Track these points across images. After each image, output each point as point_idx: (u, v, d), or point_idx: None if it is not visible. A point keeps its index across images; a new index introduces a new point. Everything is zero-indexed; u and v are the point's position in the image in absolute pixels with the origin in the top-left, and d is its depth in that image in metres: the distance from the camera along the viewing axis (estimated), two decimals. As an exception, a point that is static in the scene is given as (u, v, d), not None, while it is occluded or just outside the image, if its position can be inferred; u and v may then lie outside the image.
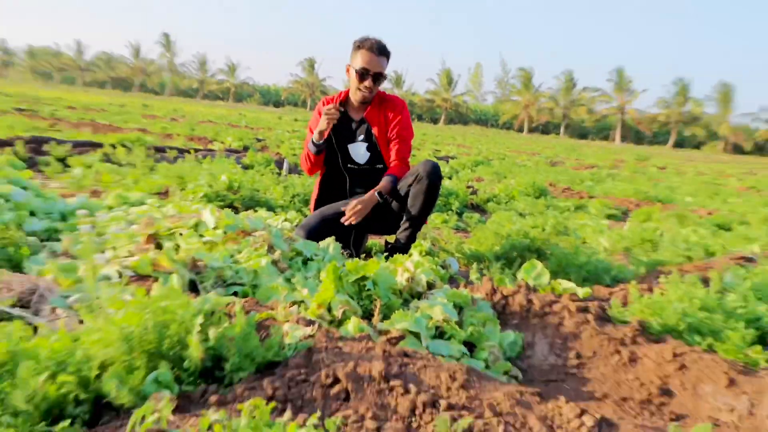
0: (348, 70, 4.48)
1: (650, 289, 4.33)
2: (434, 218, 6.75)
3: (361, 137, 4.60)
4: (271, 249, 3.33)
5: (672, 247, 6.02)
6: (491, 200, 8.48)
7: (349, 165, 4.67)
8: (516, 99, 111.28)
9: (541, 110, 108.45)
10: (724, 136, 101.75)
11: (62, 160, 8.43)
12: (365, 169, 4.66)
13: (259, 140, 15.68)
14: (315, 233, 4.18)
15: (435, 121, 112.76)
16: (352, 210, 4.17)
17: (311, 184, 6.82)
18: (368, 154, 4.62)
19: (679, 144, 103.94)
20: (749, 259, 5.80)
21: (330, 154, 4.65)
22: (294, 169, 10.01)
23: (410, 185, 4.37)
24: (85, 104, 29.03)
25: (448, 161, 14.46)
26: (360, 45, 4.40)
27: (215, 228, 3.53)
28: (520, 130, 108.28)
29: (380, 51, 4.38)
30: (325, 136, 4.45)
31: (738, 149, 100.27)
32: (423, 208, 4.33)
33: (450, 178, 10.23)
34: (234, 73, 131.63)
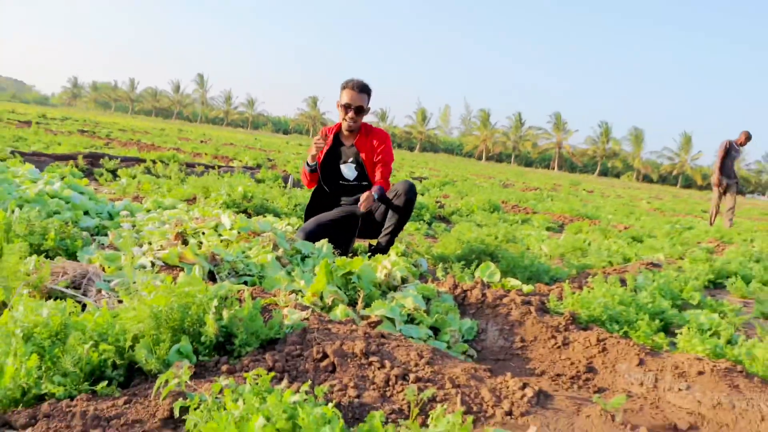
0: (337, 106, 4.48)
1: (580, 287, 4.30)
2: (409, 227, 6.69)
3: (351, 159, 4.57)
4: (275, 247, 3.26)
5: (597, 254, 6.00)
6: (455, 213, 8.42)
7: (340, 181, 4.63)
8: (476, 134, 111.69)
9: (496, 143, 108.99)
10: (636, 168, 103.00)
11: (113, 172, 8.32)
12: (353, 184, 4.63)
13: (270, 160, 15.54)
14: (312, 235, 4.14)
15: (411, 149, 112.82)
16: (363, 200, 4.17)
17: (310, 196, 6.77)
18: (356, 172, 4.59)
19: (603, 173, 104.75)
20: (656, 265, 5.80)
21: (324, 172, 4.61)
22: (297, 184, 9.94)
23: (392, 199, 4.36)
24: (133, 128, 28.77)
25: (421, 181, 14.40)
26: (345, 85, 4.41)
27: (231, 229, 3.45)
28: (480, 158, 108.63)
29: (361, 89, 4.40)
30: (318, 160, 4.48)
31: (647, 179, 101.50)
32: (401, 218, 4.37)
33: (422, 194, 10.17)
34: (252, 106, 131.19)
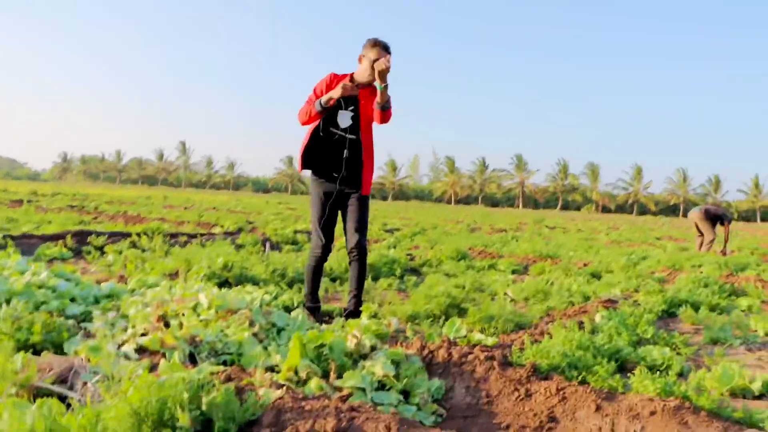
0: (361, 60, 4.47)
1: (542, 333, 4.34)
2: (382, 282, 6.71)
3: (351, 108, 4.52)
4: (252, 323, 3.27)
5: (559, 295, 6.07)
6: (425, 264, 8.46)
7: (331, 128, 4.55)
8: (444, 179, 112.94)
9: (463, 187, 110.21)
10: (595, 201, 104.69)
11: (100, 248, 8.26)
12: (341, 135, 4.55)
13: (250, 222, 15.49)
14: (329, 232, 4.59)
15: (384, 198, 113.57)
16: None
17: (287, 260, 6.77)
18: (350, 122, 4.53)
19: (565, 207, 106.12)
20: (613, 301, 5.87)
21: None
22: (275, 247, 9.93)
23: (349, 253, 4.59)
24: (120, 198, 28.60)
25: (393, 233, 14.47)
26: (375, 43, 4.42)
27: (209, 308, 3.45)
28: (449, 201, 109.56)
29: (389, 50, 4.45)
30: (332, 104, 4.39)
31: (606, 209, 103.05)
32: (359, 281, 4.57)
33: (394, 247, 10.21)
34: (233, 168, 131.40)
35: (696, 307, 5.91)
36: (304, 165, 4.62)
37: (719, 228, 13.06)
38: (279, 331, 3.43)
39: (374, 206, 48.13)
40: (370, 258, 7.26)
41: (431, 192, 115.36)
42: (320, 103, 4.36)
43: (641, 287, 6.79)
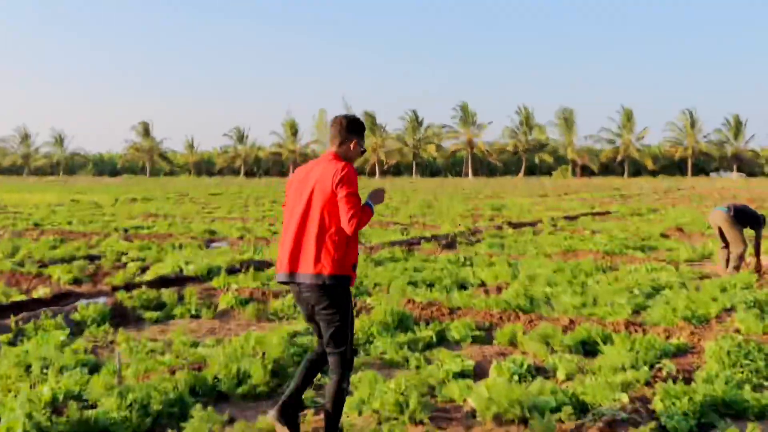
0: (355, 145, 5.36)
1: None
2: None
3: None
4: None
5: (545, 406, 5.76)
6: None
7: None
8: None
9: (390, 152, 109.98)
10: (571, 160, 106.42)
11: None
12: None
13: (92, 259, 14.41)
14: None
15: (283, 173, 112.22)
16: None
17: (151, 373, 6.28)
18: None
19: (531, 171, 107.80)
20: (617, 423, 5.60)
21: None
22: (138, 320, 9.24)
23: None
24: None
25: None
26: (364, 128, 5.54)
27: None
28: (372, 174, 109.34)
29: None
30: None
31: (587, 170, 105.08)
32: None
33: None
34: (62, 144, 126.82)
35: (739, 416, 5.79)
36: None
37: (747, 232, 13.14)
38: None
39: (267, 188, 46.93)
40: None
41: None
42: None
43: (656, 381, 6.56)
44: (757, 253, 13.22)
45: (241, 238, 19.39)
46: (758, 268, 12.88)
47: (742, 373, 6.79)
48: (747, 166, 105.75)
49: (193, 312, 10.06)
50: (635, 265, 13.79)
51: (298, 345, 7.53)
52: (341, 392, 5.17)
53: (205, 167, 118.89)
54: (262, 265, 13.39)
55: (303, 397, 5.55)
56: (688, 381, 6.58)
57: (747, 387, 6.33)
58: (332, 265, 4.98)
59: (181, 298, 10.57)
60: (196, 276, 12.53)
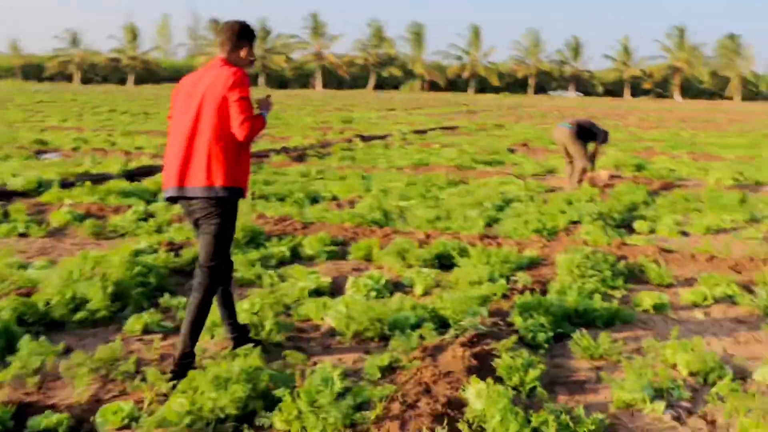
0: (246, 52, 5.02)
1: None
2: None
3: None
4: None
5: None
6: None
7: None
8: (210, 51, 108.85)
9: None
10: (419, 75, 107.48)
11: None
12: None
13: None
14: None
15: (123, 81, 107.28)
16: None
17: None
18: None
19: (380, 86, 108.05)
20: (480, 337, 5.58)
21: None
22: None
23: None
24: None
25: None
26: (255, 35, 5.16)
27: None
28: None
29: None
30: None
31: (435, 86, 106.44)
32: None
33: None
34: None
35: (590, 324, 5.95)
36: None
37: (591, 147, 13.42)
38: None
39: (94, 97, 44.60)
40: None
41: (192, 70, 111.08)
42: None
43: (513, 294, 6.59)
44: (592, 166, 13.47)
45: (77, 148, 18.27)
46: (593, 182, 13.22)
47: (591, 283, 6.93)
48: (583, 86, 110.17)
49: (21, 230, 9.06)
50: (485, 179, 13.97)
51: (143, 264, 6.92)
52: (204, 311, 4.89)
53: (34, 72, 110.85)
54: (100, 179, 12.58)
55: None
56: (543, 293, 6.65)
57: (597, 297, 6.46)
58: (225, 176, 4.70)
59: (6, 215, 9.69)
60: (24, 191, 11.45)
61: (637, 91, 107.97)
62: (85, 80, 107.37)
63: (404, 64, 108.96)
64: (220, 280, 4.97)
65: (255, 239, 8.44)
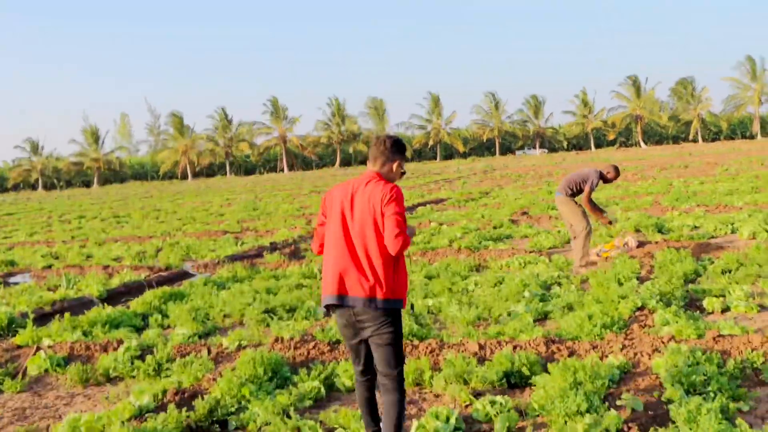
0: (398, 166, 5.13)
1: None
2: None
3: None
4: None
5: None
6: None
7: None
8: (173, 145, 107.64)
9: (202, 153, 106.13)
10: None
11: None
12: None
13: None
14: None
15: (87, 184, 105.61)
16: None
17: None
18: None
19: (347, 162, 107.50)
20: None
21: None
22: None
23: None
24: None
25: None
26: (406, 148, 5.22)
27: None
28: (185, 176, 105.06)
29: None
30: None
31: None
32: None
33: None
34: None
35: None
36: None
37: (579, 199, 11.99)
38: None
39: (70, 205, 42.87)
40: None
41: (156, 166, 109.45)
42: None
43: (628, 425, 5.16)
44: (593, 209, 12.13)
45: (49, 267, 16.36)
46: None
47: (708, 399, 5.55)
48: (548, 142, 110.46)
49: (-9, 385, 7.47)
50: (505, 260, 12.68)
51: (149, 430, 5.46)
52: (403, 410, 4.99)
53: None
54: (80, 305, 10.99)
55: None
56: (661, 420, 5.26)
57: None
58: (384, 288, 4.84)
59: (-30, 368, 7.94)
60: (-9, 332, 9.59)
61: (602, 142, 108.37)
62: (49, 186, 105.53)
63: (368, 139, 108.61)
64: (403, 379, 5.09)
65: (278, 373, 6.99)
